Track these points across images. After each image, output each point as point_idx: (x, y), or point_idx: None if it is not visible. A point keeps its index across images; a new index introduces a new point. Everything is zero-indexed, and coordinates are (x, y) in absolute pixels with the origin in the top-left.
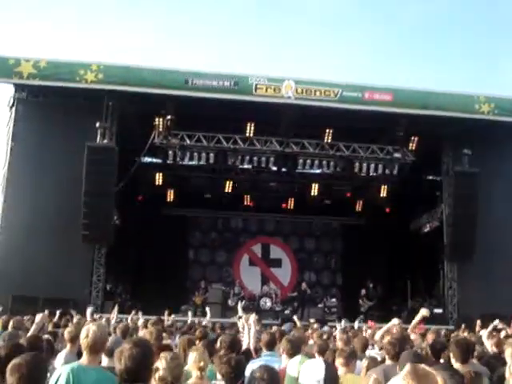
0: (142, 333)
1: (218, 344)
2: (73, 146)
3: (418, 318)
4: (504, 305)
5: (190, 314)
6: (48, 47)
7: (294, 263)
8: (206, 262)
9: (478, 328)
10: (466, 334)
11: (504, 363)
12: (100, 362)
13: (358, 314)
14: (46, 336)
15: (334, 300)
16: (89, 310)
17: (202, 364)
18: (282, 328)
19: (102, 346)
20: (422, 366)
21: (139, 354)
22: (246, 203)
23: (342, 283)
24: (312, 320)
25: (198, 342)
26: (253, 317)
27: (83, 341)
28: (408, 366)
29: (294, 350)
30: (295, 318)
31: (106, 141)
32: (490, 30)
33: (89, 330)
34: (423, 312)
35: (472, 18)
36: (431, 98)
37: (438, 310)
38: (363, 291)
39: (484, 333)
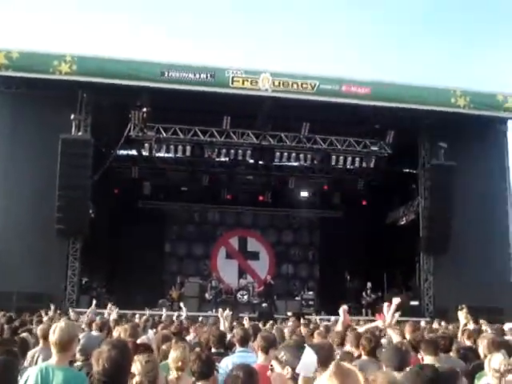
0: (115, 330)
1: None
2: (47, 138)
3: (393, 308)
4: (479, 297)
5: (164, 309)
6: (19, 37)
7: (272, 256)
8: (183, 255)
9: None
10: (437, 325)
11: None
12: (72, 361)
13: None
14: (24, 334)
15: (311, 293)
16: (52, 307)
17: (179, 364)
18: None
19: (71, 344)
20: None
21: (117, 356)
22: (222, 196)
23: (320, 276)
24: (289, 313)
25: (172, 337)
26: (226, 312)
27: (51, 339)
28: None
29: (269, 346)
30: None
31: (80, 133)
32: (467, 21)
33: (56, 328)
34: (395, 301)
35: (448, 11)
36: (408, 92)
37: (415, 303)
38: (369, 284)
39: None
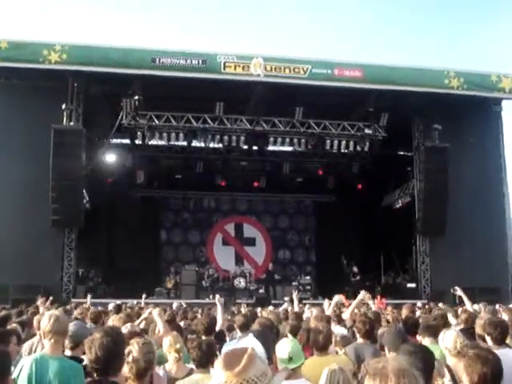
0: (111, 319)
1: (195, 326)
2: (39, 128)
3: (356, 301)
4: (476, 278)
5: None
6: (8, 27)
7: (268, 241)
8: (179, 243)
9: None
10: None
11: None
12: (63, 351)
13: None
14: (13, 325)
15: (308, 278)
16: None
17: (178, 346)
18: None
19: (65, 333)
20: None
21: (110, 344)
22: (217, 183)
23: (316, 261)
24: (286, 298)
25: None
26: (217, 297)
27: (44, 328)
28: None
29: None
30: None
31: (72, 123)
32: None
33: (50, 317)
34: (361, 296)
35: None
36: (401, 74)
37: (412, 285)
38: (355, 269)
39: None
